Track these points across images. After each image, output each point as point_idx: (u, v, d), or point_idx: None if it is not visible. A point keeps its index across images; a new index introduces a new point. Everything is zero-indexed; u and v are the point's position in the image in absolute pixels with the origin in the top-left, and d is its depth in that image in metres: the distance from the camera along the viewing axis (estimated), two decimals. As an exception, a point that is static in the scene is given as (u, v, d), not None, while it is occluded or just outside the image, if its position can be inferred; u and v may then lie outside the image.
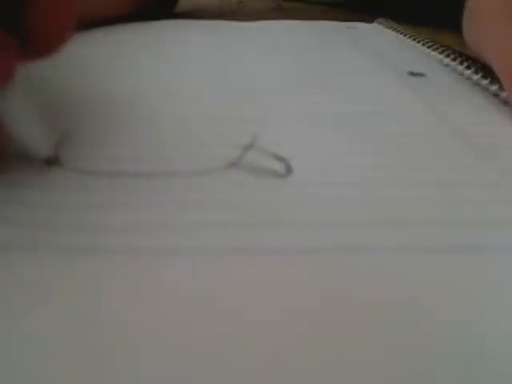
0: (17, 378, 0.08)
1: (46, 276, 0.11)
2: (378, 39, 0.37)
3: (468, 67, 0.26)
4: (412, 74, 0.26)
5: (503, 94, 0.22)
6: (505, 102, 0.22)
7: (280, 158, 0.16)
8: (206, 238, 0.12)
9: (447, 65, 0.28)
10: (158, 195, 0.14)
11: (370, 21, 0.43)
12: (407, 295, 0.11)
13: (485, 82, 0.24)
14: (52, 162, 0.15)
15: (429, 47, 0.32)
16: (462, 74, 0.27)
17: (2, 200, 0.13)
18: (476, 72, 0.25)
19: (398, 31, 0.39)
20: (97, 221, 0.13)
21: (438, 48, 0.31)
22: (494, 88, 0.23)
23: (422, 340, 0.09)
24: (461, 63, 0.27)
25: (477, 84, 0.25)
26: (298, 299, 0.10)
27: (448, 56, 0.29)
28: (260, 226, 0.13)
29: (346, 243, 0.12)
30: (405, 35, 0.37)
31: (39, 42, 0.13)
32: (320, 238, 0.12)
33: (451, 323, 0.10)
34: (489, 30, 0.22)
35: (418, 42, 0.34)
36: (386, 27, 0.41)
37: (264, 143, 0.17)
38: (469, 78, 0.26)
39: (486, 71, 0.25)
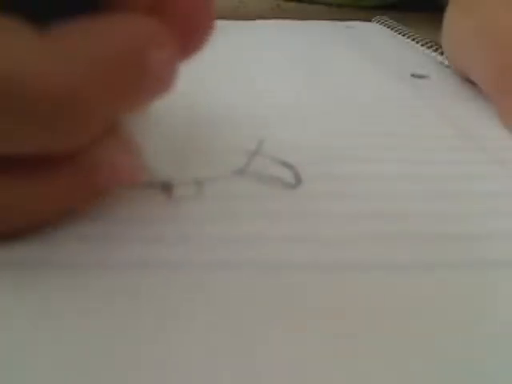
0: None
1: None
2: (377, 39, 0.37)
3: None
4: (415, 75, 0.27)
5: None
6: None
7: (288, 166, 0.16)
8: (208, 252, 0.12)
9: (448, 66, 0.29)
10: (159, 206, 0.14)
11: (369, 20, 0.43)
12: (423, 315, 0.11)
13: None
14: (167, 189, 0.15)
15: (429, 47, 0.32)
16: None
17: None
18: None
19: (396, 30, 0.39)
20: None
21: (438, 49, 0.31)
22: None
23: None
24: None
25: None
26: (307, 319, 0.10)
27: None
28: (269, 240, 0.12)
29: (360, 261, 0.12)
30: (404, 34, 0.37)
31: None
32: (332, 255, 0.12)
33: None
34: (469, 54, 0.23)
35: (418, 41, 0.34)
36: (385, 26, 0.41)
37: (269, 148, 0.16)
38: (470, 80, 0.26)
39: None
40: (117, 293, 0.11)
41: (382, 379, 0.09)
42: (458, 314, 0.10)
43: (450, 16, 0.25)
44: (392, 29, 0.39)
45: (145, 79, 0.11)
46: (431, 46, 0.32)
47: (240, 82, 0.25)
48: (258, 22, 0.40)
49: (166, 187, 0.14)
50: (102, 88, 0.10)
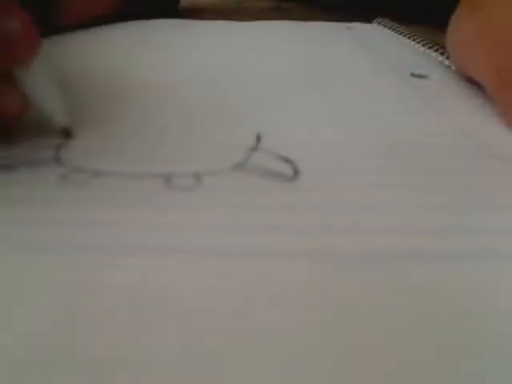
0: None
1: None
2: (377, 39, 0.37)
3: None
4: (414, 75, 0.27)
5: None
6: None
7: (287, 160, 0.16)
8: (205, 241, 0.12)
9: (448, 66, 0.29)
10: (159, 195, 0.14)
11: (370, 21, 0.43)
12: (416, 302, 0.11)
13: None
14: (66, 134, 0.17)
15: (429, 48, 0.32)
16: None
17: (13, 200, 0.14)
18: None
19: (397, 31, 0.39)
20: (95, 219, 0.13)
21: (438, 49, 0.31)
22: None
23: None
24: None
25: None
26: (298, 306, 0.10)
27: (448, 58, 0.29)
28: (268, 230, 0.13)
29: (358, 250, 0.12)
30: (404, 35, 0.37)
31: None
32: (329, 244, 0.12)
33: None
34: (471, 54, 0.23)
35: (418, 42, 0.34)
36: (385, 27, 0.41)
37: (268, 144, 0.17)
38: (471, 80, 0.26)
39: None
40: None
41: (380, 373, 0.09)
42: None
43: (457, 17, 0.25)
44: (393, 30, 0.39)
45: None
46: (431, 47, 0.32)
47: (240, 83, 0.25)
48: (258, 22, 0.40)
49: (166, 178, 0.15)
50: None
